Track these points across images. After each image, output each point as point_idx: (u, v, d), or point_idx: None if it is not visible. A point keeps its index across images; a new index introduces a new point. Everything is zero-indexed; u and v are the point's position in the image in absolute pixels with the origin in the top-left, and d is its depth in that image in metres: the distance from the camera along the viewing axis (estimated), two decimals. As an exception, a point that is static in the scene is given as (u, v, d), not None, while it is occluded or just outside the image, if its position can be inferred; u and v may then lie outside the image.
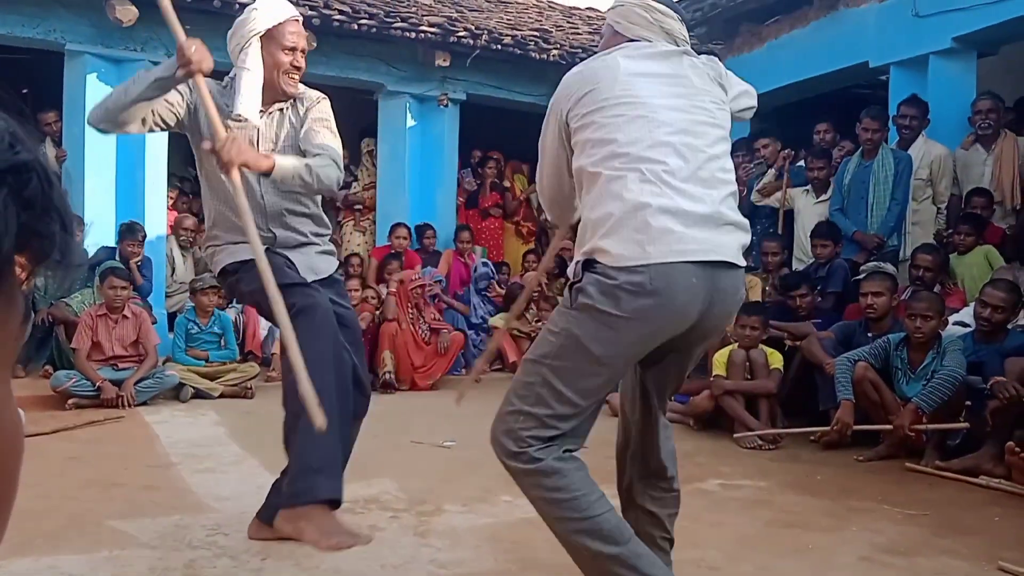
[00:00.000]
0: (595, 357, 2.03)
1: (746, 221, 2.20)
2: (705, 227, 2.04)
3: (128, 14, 7.03)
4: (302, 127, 2.83)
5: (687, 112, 2.14)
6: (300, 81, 2.87)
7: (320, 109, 2.87)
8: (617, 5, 2.37)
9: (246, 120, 2.72)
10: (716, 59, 2.45)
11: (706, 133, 2.15)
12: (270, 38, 2.72)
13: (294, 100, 2.87)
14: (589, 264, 2.05)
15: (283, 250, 2.83)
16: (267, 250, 2.78)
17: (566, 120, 2.19)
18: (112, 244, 7.12)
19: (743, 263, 2.17)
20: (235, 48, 2.73)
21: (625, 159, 2.05)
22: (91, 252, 6.83)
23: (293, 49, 2.74)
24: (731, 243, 2.10)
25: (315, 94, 2.91)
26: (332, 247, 3.10)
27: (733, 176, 2.21)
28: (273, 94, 2.78)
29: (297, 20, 2.80)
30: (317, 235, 2.99)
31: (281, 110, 2.85)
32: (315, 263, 2.91)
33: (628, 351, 2.07)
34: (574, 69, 2.28)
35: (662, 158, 2.04)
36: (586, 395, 2.08)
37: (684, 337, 2.12)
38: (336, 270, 3.05)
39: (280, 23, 2.71)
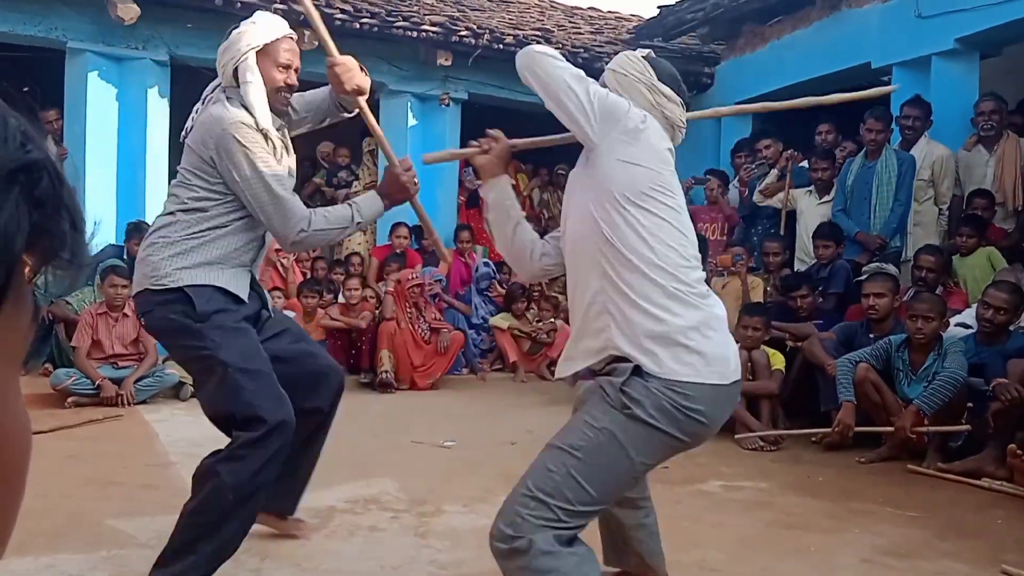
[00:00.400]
0: (632, 462, 1.99)
1: None
2: (727, 337, 2.11)
3: (130, 12, 7.03)
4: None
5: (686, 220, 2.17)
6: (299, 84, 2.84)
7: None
8: (619, 70, 2.23)
9: (266, 130, 2.65)
10: None
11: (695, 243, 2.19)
12: (265, 55, 2.65)
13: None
14: (638, 369, 2.00)
15: (255, 271, 2.77)
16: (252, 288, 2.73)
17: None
18: (115, 242, 7.12)
19: None
20: (228, 62, 2.63)
21: (663, 272, 2.04)
22: (97, 251, 6.83)
23: (287, 67, 2.68)
24: (737, 357, 2.13)
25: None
26: None
27: None
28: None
29: (292, 37, 2.73)
30: None
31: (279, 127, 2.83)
32: (266, 295, 2.87)
33: (660, 458, 2.09)
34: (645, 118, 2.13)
35: (688, 278, 2.07)
36: (607, 494, 2.03)
37: None
38: None
39: (275, 39, 2.65)
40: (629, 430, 1.97)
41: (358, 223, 2.65)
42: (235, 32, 2.66)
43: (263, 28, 2.65)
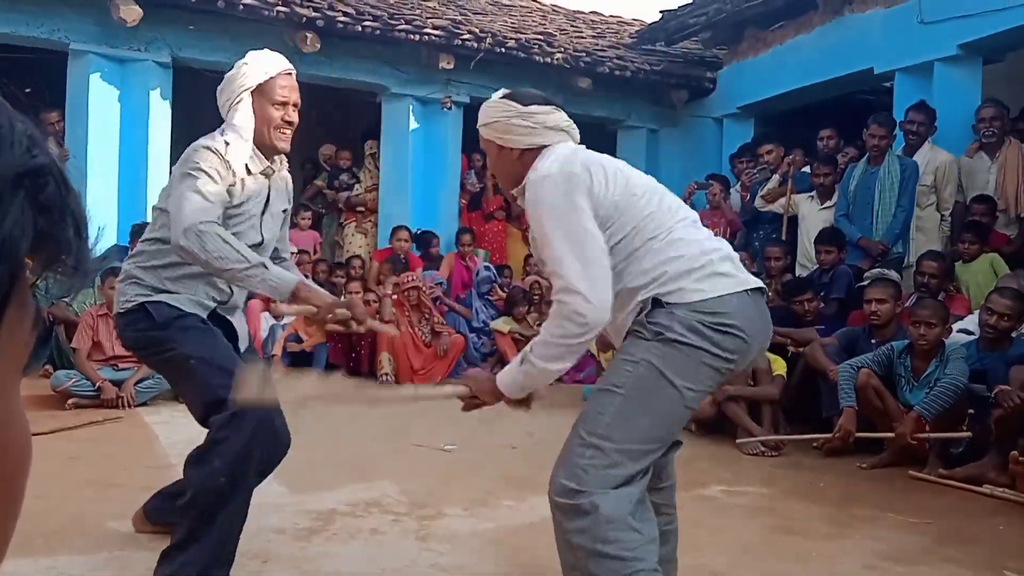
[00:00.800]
0: (676, 390, 1.99)
1: None
2: (724, 252, 2.14)
3: (132, 14, 7.03)
4: (287, 201, 2.86)
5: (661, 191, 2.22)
6: (303, 82, 2.82)
7: (291, 190, 2.90)
8: (490, 122, 2.26)
9: (230, 163, 2.61)
10: None
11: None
12: (261, 93, 2.64)
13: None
14: (658, 301, 2.02)
15: (225, 313, 2.77)
16: (213, 311, 2.71)
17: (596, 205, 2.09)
18: (118, 243, 7.12)
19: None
20: (224, 104, 2.65)
21: (659, 240, 2.08)
22: (103, 252, 6.84)
23: (284, 104, 2.65)
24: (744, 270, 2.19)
25: (284, 167, 2.85)
26: None
27: None
28: (267, 150, 2.70)
29: (289, 73, 2.71)
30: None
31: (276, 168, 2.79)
32: (244, 331, 2.87)
33: (705, 385, 2.06)
34: (562, 171, 2.08)
35: (673, 219, 2.13)
36: (660, 428, 2.02)
37: None
38: None
39: (271, 77, 2.64)
40: (666, 355, 1.97)
41: (261, 264, 2.43)
42: (229, 74, 2.67)
43: (256, 68, 2.64)
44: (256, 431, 2.46)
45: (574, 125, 2.31)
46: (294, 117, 2.69)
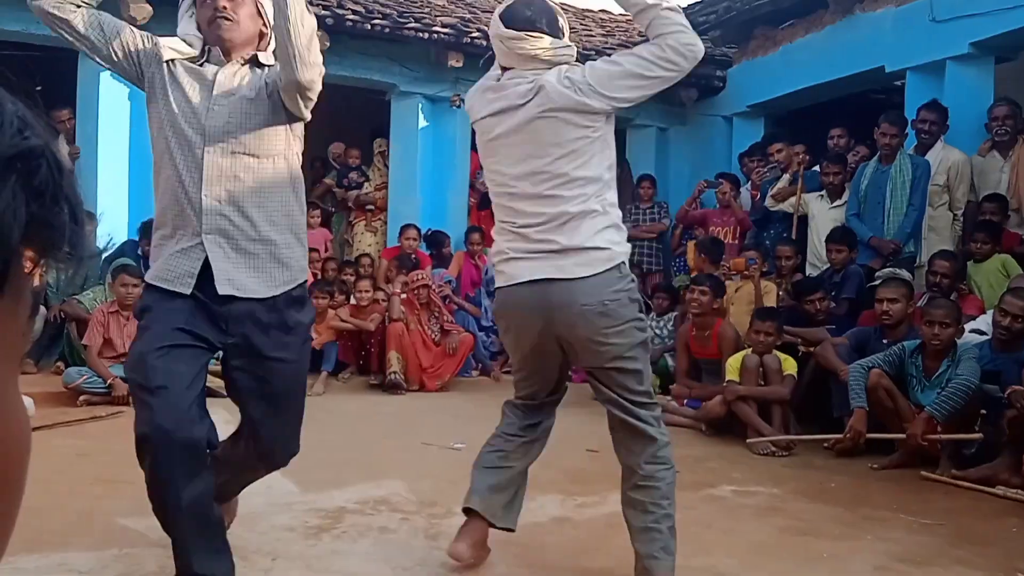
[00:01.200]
0: (507, 347, 2.90)
1: (596, 240, 2.47)
2: (538, 257, 2.48)
3: (142, 12, 7.05)
4: (265, 83, 2.50)
5: (527, 174, 2.49)
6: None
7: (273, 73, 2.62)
8: (490, 36, 2.61)
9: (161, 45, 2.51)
10: (580, 67, 2.50)
11: (544, 188, 2.48)
12: (197, 3, 2.50)
13: (262, 64, 2.52)
14: None
15: (210, 235, 2.38)
16: (183, 249, 2.40)
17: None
18: (130, 239, 7.14)
19: (575, 275, 2.44)
20: (180, 18, 2.56)
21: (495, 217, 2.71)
22: (108, 245, 6.88)
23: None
24: (566, 264, 2.45)
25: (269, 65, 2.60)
26: (297, 256, 2.51)
27: (580, 207, 2.46)
28: (222, 48, 2.49)
29: None
30: (274, 229, 2.44)
31: (246, 63, 2.51)
32: (241, 278, 2.40)
33: (507, 342, 2.82)
34: (472, 91, 2.73)
35: (510, 217, 2.57)
36: (516, 369, 2.89)
37: (564, 343, 2.57)
38: (287, 292, 2.47)
39: None
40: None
41: None
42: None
43: None
44: (158, 470, 2.29)
45: (561, 52, 2.46)
46: (224, 5, 2.42)
